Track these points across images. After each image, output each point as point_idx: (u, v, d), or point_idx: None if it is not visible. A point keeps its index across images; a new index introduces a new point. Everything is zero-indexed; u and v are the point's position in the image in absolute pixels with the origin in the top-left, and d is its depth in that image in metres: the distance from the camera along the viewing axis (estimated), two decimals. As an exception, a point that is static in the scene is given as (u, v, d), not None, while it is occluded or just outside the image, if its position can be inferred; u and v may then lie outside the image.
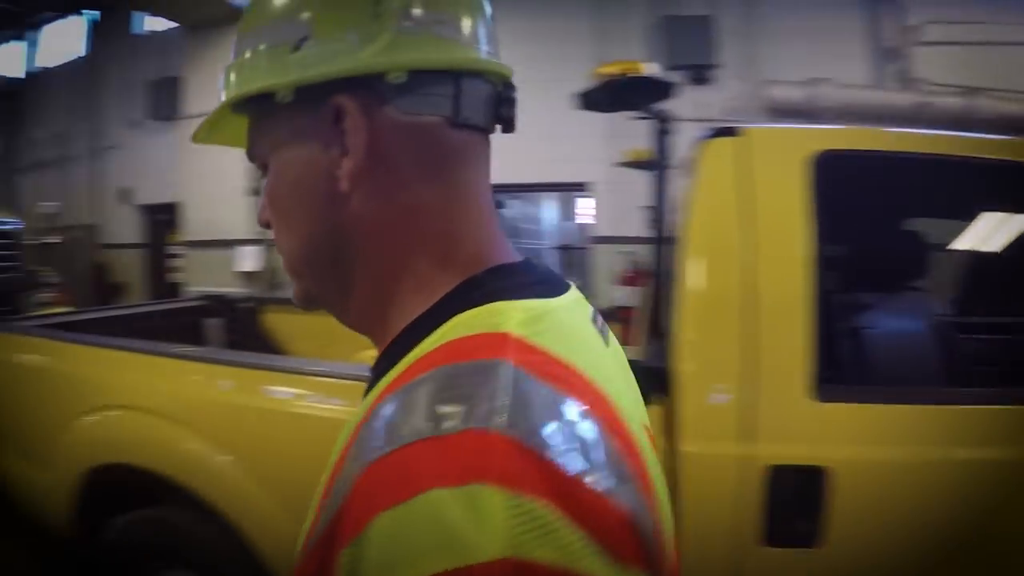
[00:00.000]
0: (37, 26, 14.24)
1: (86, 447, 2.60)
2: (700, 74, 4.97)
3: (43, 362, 3.06)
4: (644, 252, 5.54)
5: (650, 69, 3.73)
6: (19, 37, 14.63)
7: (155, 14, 11.35)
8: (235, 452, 2.15)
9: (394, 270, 0.62)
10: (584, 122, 7.53)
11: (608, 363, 0.63)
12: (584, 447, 0.45)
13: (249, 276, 9.83)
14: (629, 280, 6.48)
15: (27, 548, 3.47)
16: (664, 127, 2.91)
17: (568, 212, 12.51)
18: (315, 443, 2.01)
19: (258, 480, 2.09)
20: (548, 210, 12.74)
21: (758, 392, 1.69)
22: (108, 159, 12.47)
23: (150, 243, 12.20)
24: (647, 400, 1.72)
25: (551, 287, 0.63)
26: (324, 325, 4.22)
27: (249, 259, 9.88)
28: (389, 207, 0.62)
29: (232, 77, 0.67)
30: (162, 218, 11.70)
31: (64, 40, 13.90)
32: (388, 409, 0.47)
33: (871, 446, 1.67)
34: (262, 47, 0.63)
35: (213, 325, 4.42)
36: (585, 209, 10.96)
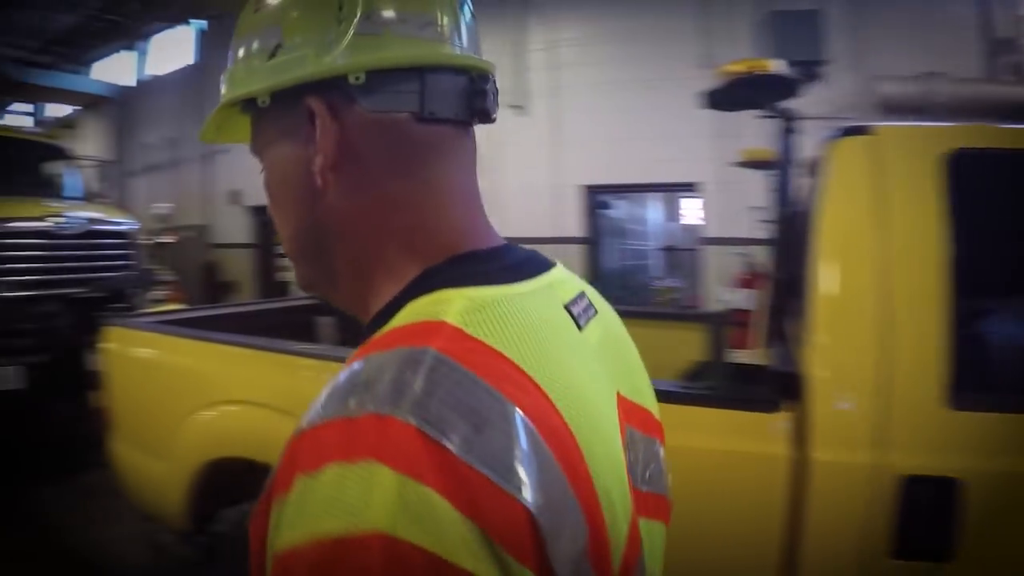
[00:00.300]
0: (147, 36, 15.20)
1: (203, 441, 2.72)
2: (809, 70, 4.80)
3: (162, 357, 3.21)
4: (759, 254, 5.37)
5: (776, 67, 3.64)
6: (130, 47, 15.70)
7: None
8: None
9: (368, 259, 0.68)
10: (690, 121, 7.58)
11: (567, 352, 0.63)
12: (492, 440, 0.47)
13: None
14: (745, 282, 6.30)
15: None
16: (789, 126, 2.87)
17: (672, 213, 12.44)
18: None
19: None
20: (653, 211, 12.56)
21: (891, 399, 1.66)
22: (218, 162, 13.17)
23: (259, 243, 12.87)
24: (775, 406, 1.79)
25: (516, 272, 0.66)
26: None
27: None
28: (361, 200, 0.67)
29: (224, 83, 0.75)
30: (270, 219, 12.20)
31: (173, 49, 14.90)
32: (327, 386, 0.52)
33: (1007, 457, 1.62)
34: (245, 55, 0.71)
35: (325, 323, 4.56)
36: (690, 210, 10.87)
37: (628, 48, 8.40)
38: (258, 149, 0.74)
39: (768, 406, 1.81)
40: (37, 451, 5.87)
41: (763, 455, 1.78)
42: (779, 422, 1.77)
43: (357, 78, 0.63)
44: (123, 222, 6.64)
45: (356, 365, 0.52)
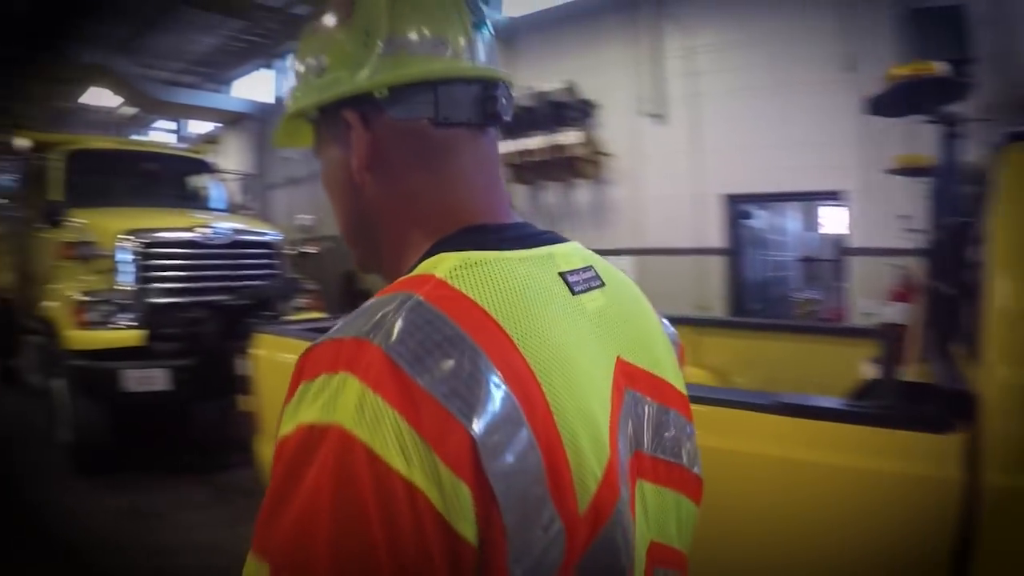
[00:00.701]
0: (284, 55, 16.15)
1: None
2: (961, 71, 4.57)
3: None
4: (911, 264, 5.13)
5: (942, 70, 3.51)
6: (268, 66, 16.73)
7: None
8: None
9: (401, 240, 0.85)
10: (833, 127, 7.33)
11: (550, 311, 0.73)
12: (446, 370, 0.59)
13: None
14: (899, 295, 5.99)
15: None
16: (953, 131, 2.77)
17: (811, 222, 12.11)
18: None
19: None
20: (792, 221, 12.18)
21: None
22: None
23: None
24: (948, 427, 1.76)
25: (515, 243, 0.79)
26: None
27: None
28: (390, 192, 0.85)
29: (289, 96, 0.93)
30: None
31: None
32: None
33: None
34: (302, 74, 0.89)
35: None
36: (830, 219, 10.46)
37: (766, 52, 8.21)
38: (316, 153, 0.93)
39: (941, 427, 1.75)
40: (180, 450, 6.36)
41: (934, 478, 1.73)
42: (951, 444, 1.72)
43: (381, 93, 0.81)
44: (267, 233, 7.09)
45: (363, 305, 0.68)
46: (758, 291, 9.53)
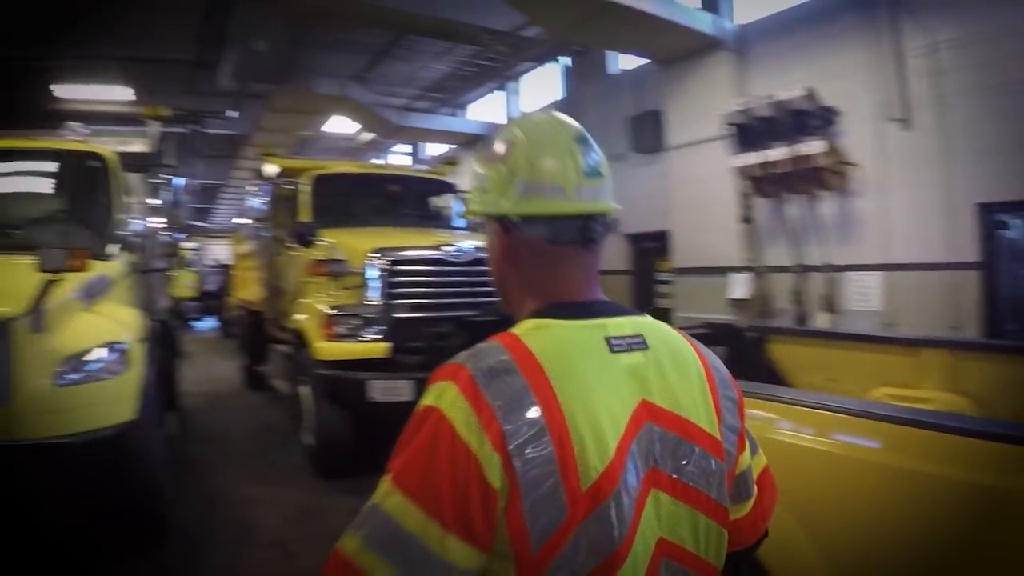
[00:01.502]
0: (516, 76, 17.15)
1: None
2: None
3: None
4: None
5: None
6: (500, 88, 17.81)
7: (628, 52, 12.97)
8: None
9: (520, 302, 1.38)
10: None
11: (586, 362, 1.21)
12: (501, 389, 1.12)
13: (740, 304, 10.43)
14: None
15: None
16: None
17: None
18: (834, 480, 2.23)
19: (792, 514, 2.25)
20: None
21: None
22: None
23: (636, 270, 13.93)
24: None
25: (576, 314, 1.28)
26: (832, 358, 4.41)
27: (740, 286, 10.48)
28: (517, 275, 1.38)
29: (470, 194, 1.47)
30: (649, 246, 13.17)
31: (541, 86, 16.70)
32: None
33: None
34: (475, 185, 1.43)
35: (717, 353, 4.79)
36: None
37: (1017, 43, 7.64)
38: (485, 233, 1.46)
39: None
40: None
41: None
42: None
43: (516, 218, 1.32)
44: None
45: (477, 345, 1.23)
46: (1017, 309, 8.77)
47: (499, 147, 1.36)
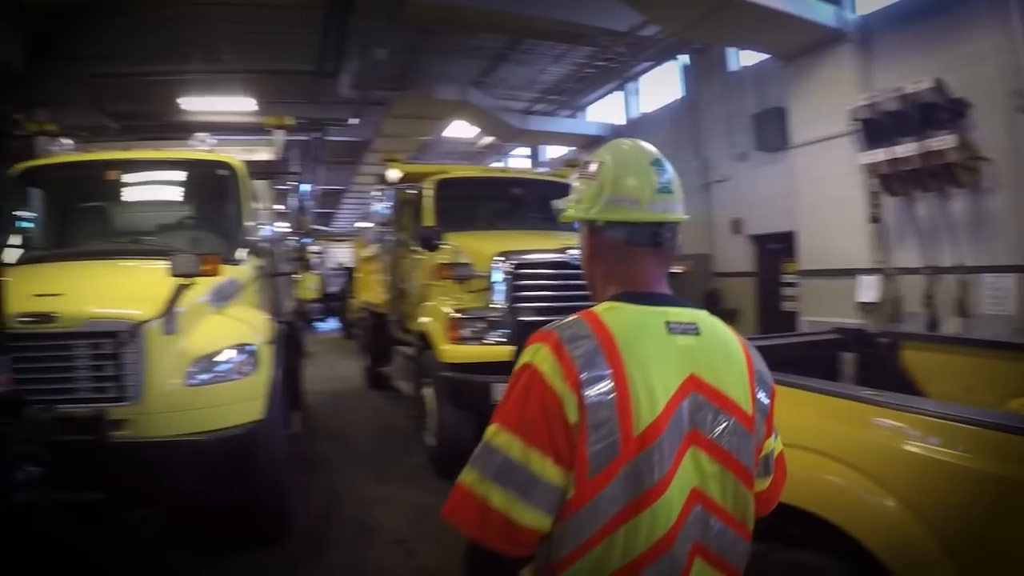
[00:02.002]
0: (635, 77, 16.95)
1: None
2: None
3: None
4: None
5: None
6: (619, 88, 17.64)
7: (748, 48, 12.66)
8: (897, 496, 2.29)
9: (601, 290, 1.70)
10: None
11: (646, 337, 1.52)
12: (581, 350, 1.44)
13: (868, 307, 9.96)
14: None
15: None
16: None
17: None
18: (971, 496, 2.09)
19: (929, 530, 2.19)
20: None
21: None
22: (718, 192, 14.20)
23: (761, 271, 13.53)
24: None
25: (643, 301, 1.59)
26: (967, 366, 4.13)
27: (869, 289, 9.99)
28: (601, 269, 1.71)
29: (567, 201, 1.81)
30: (774, 247, 12.75)
31: (661, 85, 16.41)
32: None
33: None
34: (572, 195, 1.78)
35: (848, 359, 4.64)
36: None
37: None
38: (579, 233, 1.79)
39: None
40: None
41: None
42: None
43: (600, 223, 1.67)
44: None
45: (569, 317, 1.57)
46: None
47: (592, 167, 1.74)
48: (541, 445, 1.40)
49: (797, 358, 4.26)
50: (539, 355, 1.47)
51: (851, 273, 10.18)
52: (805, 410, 2.80)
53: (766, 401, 1.69)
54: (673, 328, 1.56)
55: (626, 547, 1.42)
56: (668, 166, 1.73)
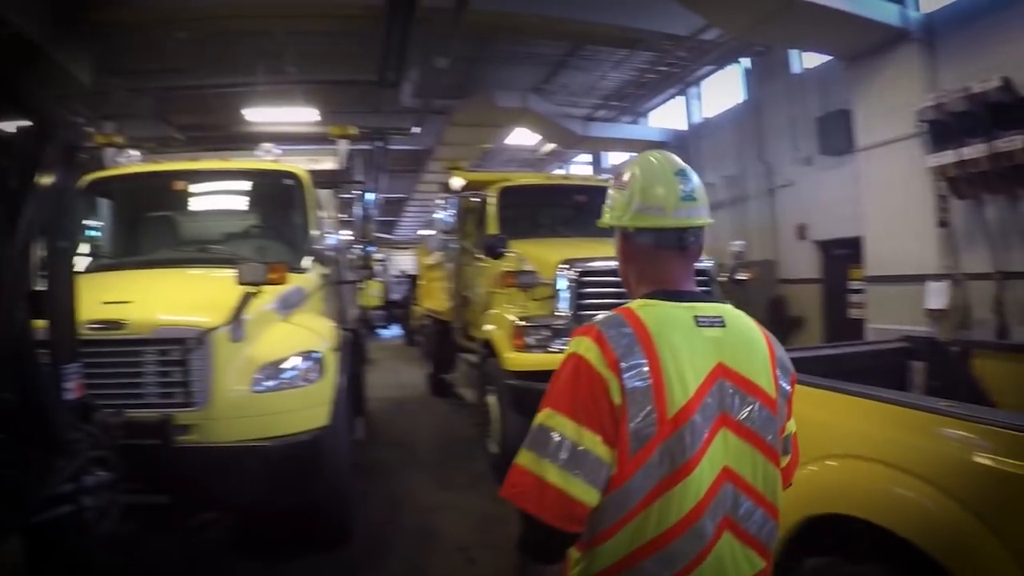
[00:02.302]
0: (697, 81, 16.75)
1: (807, 497, 2.77)
2: None
3: None
4: None
5: None
6: (681, 93, 17.45)
7: (810, 50, 12.37)
8: (969, 509, 2.21)
9: (635, 289, 1.89)
10: None
11: (676, 330, 1.68)
12: (619, 341, 1.62)
13: (937, 314, 9.61)
14: None
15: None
16: None
17: None
18: None
19: (1001, 544, 2.12)
20: None
21: None
22: (782, 197, 13.93)
23: (827, 278, 13.10)
24: None
25: (673, 298, 1.76)
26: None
27: (937, 295, 9.64)
28: (634, 270, 1.91)
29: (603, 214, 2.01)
30: (840, 253, 12.42)
31: (723, 89, 16.18)
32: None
33: None
34: (607, 203, 1.96)
35: (917, 368, 4.50)
36: None
37: None
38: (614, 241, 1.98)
39: None
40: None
41: None
42: None
43: (630, 230, 1.86)
44: (701, 260, 7.29)
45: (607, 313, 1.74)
46: None
47: (624, 179, 1.91)
48: (591, 424, 1.57)
49: (864, 367, 4.20)
50: (583, 346, 1.65)
51: (919, 279, 9.83)
52: (873, 421, 2.75)
53: (787, 387, 1.85)
54: (701, 321, 1.73)
55: (660, 519, 1.59)
56: (693, 176, 1.88)
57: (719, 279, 7.31)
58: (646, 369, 1.60)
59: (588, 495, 1.55)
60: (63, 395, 2.61)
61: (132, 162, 7.00)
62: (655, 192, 1.82)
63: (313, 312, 5.47)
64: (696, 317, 1.73)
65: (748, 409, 1.71)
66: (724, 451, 1.66)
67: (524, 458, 1.60)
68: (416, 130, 16.91)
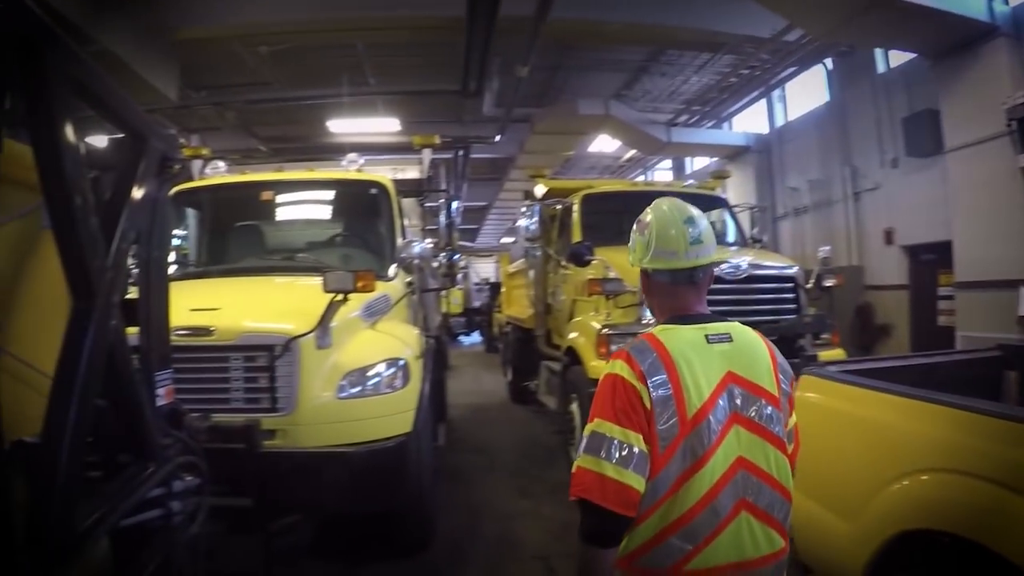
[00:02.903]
0: (779, 84, 16.36)
1: (900, 511, 2.71)
2: None
3: (858, 411, 3.22)
4: None
5: None
6: (763, 96, 17.10)
7: (895, 48, 12.00)
8: None
9: (658, 315, 2.27)
10: None
11: (697, 350, 2.03)
12: (643, 359, 1.99)
13: (1031, 321, 9.12)
14: None
15: None
16: None
17: None
18: None
19: None
20: None
21: None
22: (869, 201, 13.52)
23: (915, 284, 12.72)
24: None
25: (687, 322, 2.12)
26: None
27: (1030, 302, 9.13)
28: (654, 301, 2.30)
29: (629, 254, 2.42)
30: (928, 258, 12.01)
31: (806, 91, 15.84)
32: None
33: None
34: (631, 250, 2.33)
35: (1011, 378, 4.30)
36: None
37: None
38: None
39: None
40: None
41: None
42: None
43: (650, 269, 2.23)
44: (783, 266, 7.14)
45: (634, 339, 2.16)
46: None
47: (644, 224, 2.24)
48: (633, 426, 1.92)
49: (956, 377, 4.00)
50: (617, 366, 2.03)
51: (1011, 285, 9.34)
52: (969, 433, 2.65)
53: (787, 387, 2.19)
54: (711, 339, 2.10)
55: (683, 502, 1.94)
56: (701, 220, 2.23)
57: (806, 286, 7.05)
58: (667, 381, 1.97)
59: (639, 483, 1.90)
60: (155, 401, 2.65)
61: (218, 173, 7.17)
62: (668, 237, 2.17)
63: (398, 319, 5.51)
64: (707, 336, 2.10)
65: (755, 407, 2.06)
66: (737, 443, 2.01)
67: (584, 461, 1.95)
68: (498, 139, 16.95)
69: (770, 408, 2.07)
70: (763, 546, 2.01)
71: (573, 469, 1.97)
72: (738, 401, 2.03)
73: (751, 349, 2.14)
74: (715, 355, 2.06)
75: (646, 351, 2.02)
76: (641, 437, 1.91)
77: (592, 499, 1.90)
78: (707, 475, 1.94)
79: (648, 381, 1.94)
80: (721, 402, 2.00)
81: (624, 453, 1.90)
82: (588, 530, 1.95)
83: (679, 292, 2.19)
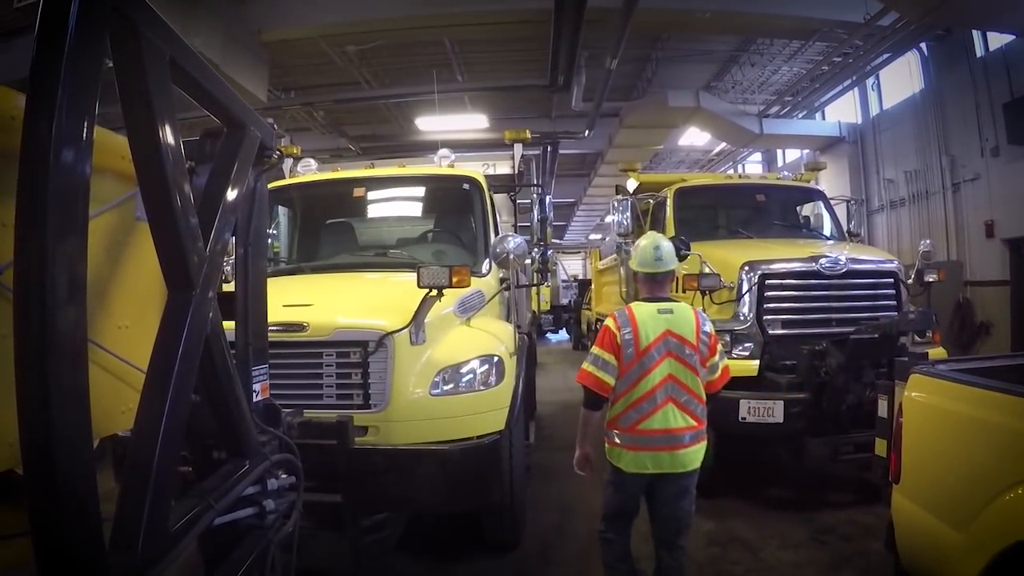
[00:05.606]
0: (872, 72, 15.65)
1: (1017, 520, 2.53)
2: None
3: (977, 414, 3.00)
4: None
5: None
6: (855, 85, 16.36)
7: (993, 29, 11.40)
8: None
9: (637, 294, 4.47)
10: None
11: (651, 316, 3.92)
12: (620, 319, 3.98)
13: None
14: None
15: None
16: None
17: None
18: None
19: None
20: None
21: None
22: (968, 193, 12.86)
23: (1017, 279, 12.15)
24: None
25: (652, 301, 4.03)
26: None
27: None
28: (639, 287, 4.32)
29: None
30: None
31: (900, 78, 15.17)
32: None
33: None
34: (631, 258, 4.62)
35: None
36: None
37: None
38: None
39: None
40: (782, 483, 6.46)
41: None
42: None
43: (638, 271, 4.22)
44: (883, 260, 6.82)
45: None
46: None
47: (636, 247, 4.14)
48: (610, 351, 3.77)
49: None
50: (608, 321, 3.85)
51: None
52: None
53: (707, 339, 3.85)
54: (661, 311, 3.82)
55: (636, 393, 3.73)
56: (663, 246, 4.01)
57: (906, 282, 6.63)
58: (631, 331, 3.77)
59: (610, 380, 3.75)
60: (251, 396, 2.60)
61: (309, 171, 7.21)
62: (644, 255, 4.01)
63: (491, 316, 5.43)
64: (658, 309, 3.84)
65: (682, 350, 3.77)
66: (668, 367, 3.75)
67: (586, 366, 3.83)
68: (587, 133, 16.76)
69: (689, 350, 3.78)
70: (680, 422, 3.72)
71: (580, 370, 3.85)
72: (671, 345, 3.77)
73: (683, 318, 3.85)
74: (661, 319, 3.82)
75: (623, 315, 3.85)
76: (613, 356, 3.76)
77: (587, 385, 3.81)
78: (649, 381, 3.72)
79: (621, 330, 3.78)
80: (661, 345, 3.76)
81: (603, 363, 3.77)
82: (585, 401, 3.89)
83: (650, 285, 4.01)
